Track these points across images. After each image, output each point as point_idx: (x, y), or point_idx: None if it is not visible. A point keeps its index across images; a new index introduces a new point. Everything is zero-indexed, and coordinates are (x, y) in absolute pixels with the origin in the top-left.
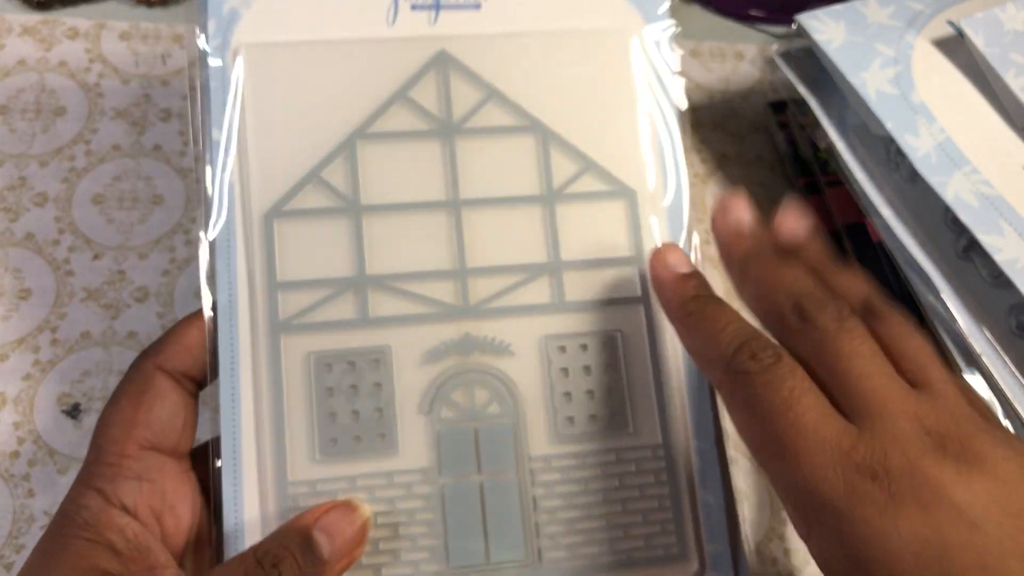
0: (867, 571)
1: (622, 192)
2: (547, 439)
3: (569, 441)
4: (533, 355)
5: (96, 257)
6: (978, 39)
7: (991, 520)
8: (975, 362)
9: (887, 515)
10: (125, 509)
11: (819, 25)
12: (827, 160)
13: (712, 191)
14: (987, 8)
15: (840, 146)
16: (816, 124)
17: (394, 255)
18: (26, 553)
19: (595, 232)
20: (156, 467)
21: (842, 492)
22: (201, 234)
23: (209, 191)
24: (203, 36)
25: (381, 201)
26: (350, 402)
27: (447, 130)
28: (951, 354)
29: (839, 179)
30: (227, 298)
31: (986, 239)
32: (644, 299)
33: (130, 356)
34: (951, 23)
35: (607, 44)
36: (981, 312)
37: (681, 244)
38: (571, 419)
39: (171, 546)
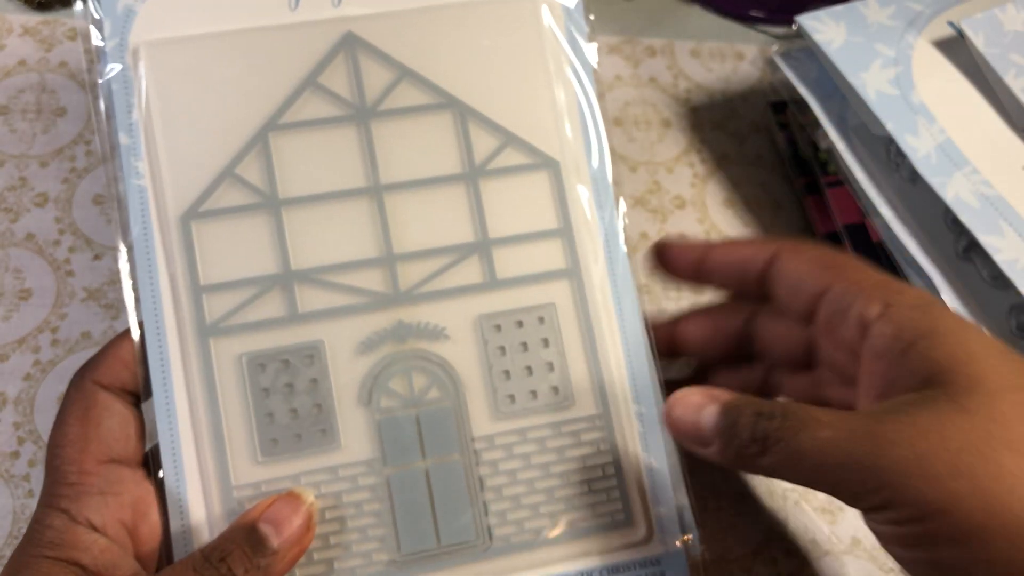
0: None
1: (545, 163)
2: (488, 418)
3: (510, 418)
4: (469, 336)
5: (96, 257)
6: (978, 40)
7: None
8: None
9: None
10: (92, 526)
11: (819, 26)
12: (827, 160)
13: (712, 191)
14: (987, 9)
15: (840, 146)
16: (816, 124)
17: (319, 247)
18: None
19: (521, 206)
20: (117, 480)
21: None
22: (119, 243)
23: (120, 197)
24: (99, 36)
25: (300, 193)
26: (287, 401)
27: (362, 114)
28: None
29: (839, 179)
30: (151, 305)
31: (986, 239)
32: (573, 270)
33: None
34: (951, 24)
35: (516, 13)
36: (981, 313)
37: (607, 211)
38: (511, 397)
39: (151, 552)
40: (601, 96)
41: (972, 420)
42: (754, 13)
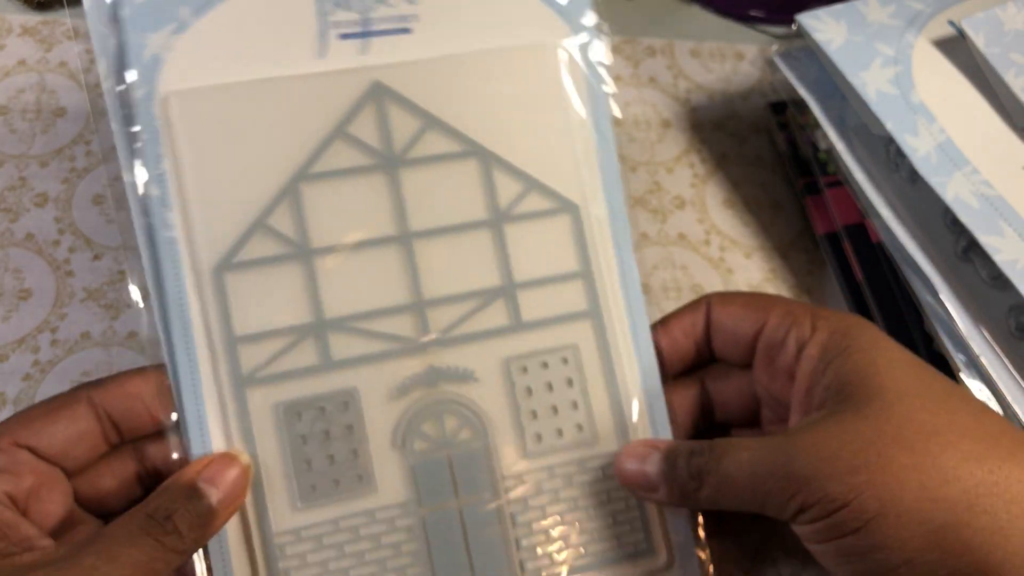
0: None
1: (565, 207)
2: (518, 457)
3: (538, 456)
4: (497, 378)
5: (96, 257)
6: (979, 39)
7: None
8: (974, 363)
9: None
10: None
11: (819, 25)
12: (827, 160)
13: (712, 191)
14: (987, 8)
15: (840, 146)
16: (816, 124)
17: (351, 295)
18: None
19: (543, 249)
20: (26, 463)
21: None
22: (133, 289)
23: (144, 247)
24: (123, 86)
25: (331, 242)
26: (324, 447)
27: (390, 163)
28: (950, 355)
29: (839, 179)
30: (186, 356)
31: (986, 240)
32: (593, 311)
33: (130, 356)
34: (951, 23)
35: (537, 60)
36: (980, 313)
37: (625, 251)
38: (538, 436)
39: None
40: (618, 140)
41: (869, 423)
42: (754, 13)
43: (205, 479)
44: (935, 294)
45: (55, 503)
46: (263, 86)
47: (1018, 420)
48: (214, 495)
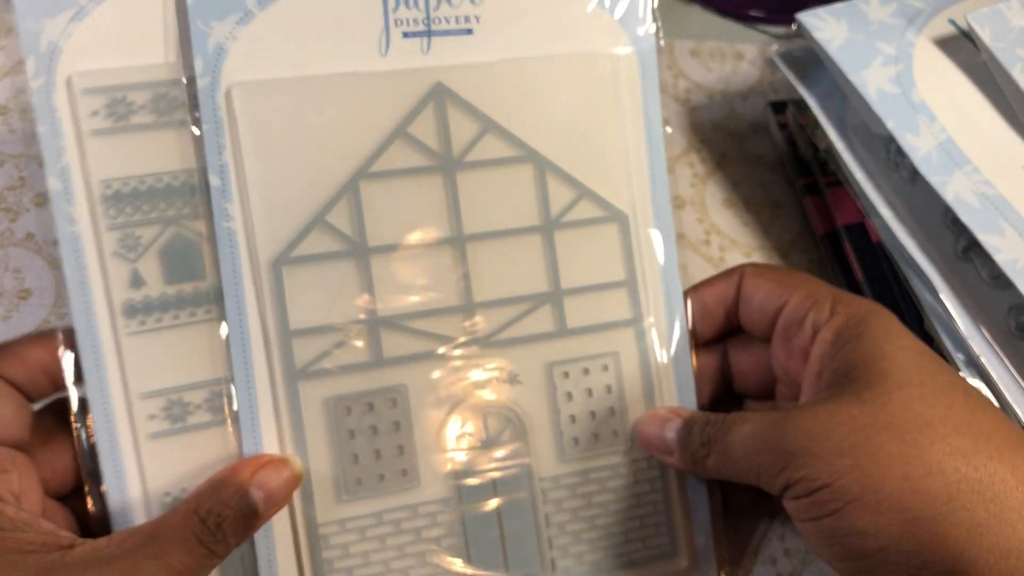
0: None
1: (615, 216)
2: (555, 460)
3: (574, 460)
4: (540, 382)
5: None
6: (985, 34)
7: None
8: (974, 363)
9: None
10: None
11: (820, 24)
12: (827, 160)
13: (712, 191)
14: (990, 5)
15: (840, 146)
16: (816, 124)
17: (404, 294)
18: None
19: (591, 257)
20: (7, 458)
21: None
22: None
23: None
24: (190, 73)
25: (387, 241)
26: (371, 443)
27: (448, 165)
28: (950, 355)
29: (839, 179)
30: (240, 348)
31: (986, 239)
32: (636, 320)
33: None
34: (952, 21)
35: (595, 68)
36: (980, 312)
37: (669, 262)
38: (576, 440)
39: None
40: (669, 155)
41: (864, 409)
42: (754, 12)
43: (257, 486)
44: (935, 294)
45: (35, 491)
46: (326, 82)
47: (1018, 419)
48: (261, 502)
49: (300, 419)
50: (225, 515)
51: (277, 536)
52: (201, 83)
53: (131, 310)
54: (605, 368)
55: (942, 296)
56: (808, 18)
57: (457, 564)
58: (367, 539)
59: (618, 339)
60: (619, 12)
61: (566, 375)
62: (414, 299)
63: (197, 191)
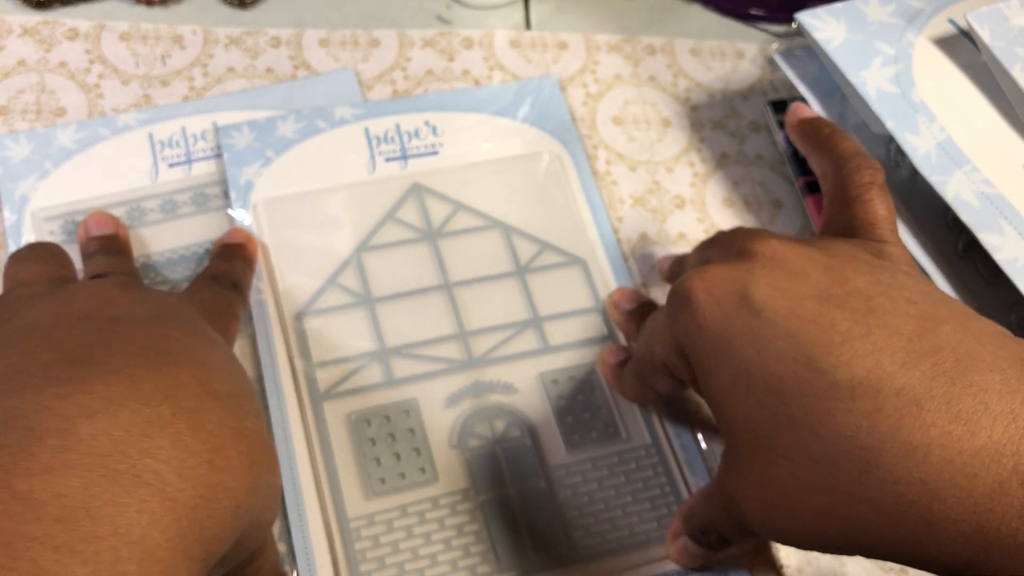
0: None
1: (575, 261)
2: (563, 452)
3: (579, 450)
4: (534, 390)
5: None
6: (984, 32)
7: (769, 307)
8: None
9: None
10: None
11: (819, 23)
12: None
13: (712, 190)
14: (989, 5)
15: None
16: None
17: (406, 330)
18: None
19: (561, 292)
20: None
21: None
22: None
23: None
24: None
25: (388, 292)
26: (390, 447)
27: (431, 235)
28: None
29: None
30: (273, 381)
31: (986, 238)
32: (611, 336)
33: None
34: (952, 21)
35: (535, 163)
36: (980, 311)
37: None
38: (576, 433)
39: None
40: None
41: (782, 469)
42: (754, 11)
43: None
44: None
45: None
46: (329, 191)
47: None
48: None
49: (326, 432)
50: (239, 277)
51: (312, 532)
52: (236, 204)
53: None
54: (591, 375)
55: None
56: (807, 18)
57: (482, 547)
58: (395, 530)
59: (597, 351)
60: (544, 124)
61: (555, 382)
62: (416, 332)
63: None
